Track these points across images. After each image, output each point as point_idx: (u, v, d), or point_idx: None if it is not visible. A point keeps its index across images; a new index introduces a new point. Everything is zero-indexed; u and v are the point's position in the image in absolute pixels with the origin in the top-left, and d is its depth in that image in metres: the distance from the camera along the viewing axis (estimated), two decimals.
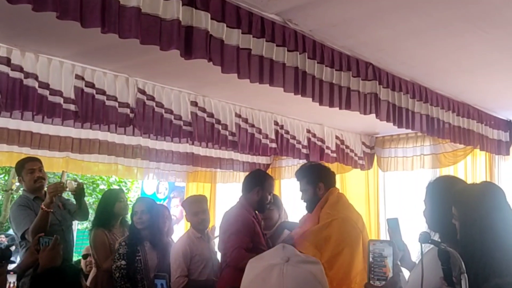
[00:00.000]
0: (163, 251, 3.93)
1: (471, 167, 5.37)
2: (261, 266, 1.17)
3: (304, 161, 5.02)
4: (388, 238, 1.98)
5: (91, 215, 4.76)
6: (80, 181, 4.47)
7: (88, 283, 3.99)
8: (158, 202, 5.65)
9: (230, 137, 4.39)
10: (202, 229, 4.07)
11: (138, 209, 4.01)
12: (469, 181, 5.16)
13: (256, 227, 3.81)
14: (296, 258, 1.17)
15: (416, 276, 1.91)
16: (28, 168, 3.95)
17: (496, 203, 2.12)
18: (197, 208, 4.04)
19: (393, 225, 2.00)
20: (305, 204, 3.67)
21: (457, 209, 2.17)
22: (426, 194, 2.48)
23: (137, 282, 3.53)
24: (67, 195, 4.16)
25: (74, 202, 4.14)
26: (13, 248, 3.79)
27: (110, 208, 4.30)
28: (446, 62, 3.52)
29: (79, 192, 3.98)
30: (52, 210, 3.65)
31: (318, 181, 3.56)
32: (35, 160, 4.07)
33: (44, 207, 3.59)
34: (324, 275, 1.19)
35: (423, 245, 2.00)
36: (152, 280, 3.65)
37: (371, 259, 1.48)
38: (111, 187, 7.13)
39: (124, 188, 13.67)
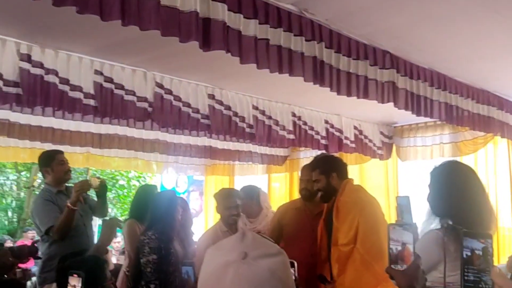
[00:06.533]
0: (183, 241, 3.96)
1: (492, 155, 5.31)
2: (217, 262, 1.09)
3: (323, 152, 5.01)
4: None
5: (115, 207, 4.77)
6: (103, 177, 4.46)
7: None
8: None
9: (247, 129, 4.40)
10: (232, 223, 4.09)
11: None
12: (490, 169, 5.13)
13: (294, 220, 4.04)
14: (254, 253, 1.06)
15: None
16: (60, 160, 3.91)
17: None
18: (230, 203, 4.06)
19: (404, 203, 1.90)
20: (319, 194, 3.70)
21: None
22: (432, 179, 2.49)
23: (169, 274, 3.53)
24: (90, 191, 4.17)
25: (95, 198, 4.16)
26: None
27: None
28: (464, 48, 3.48)
29: (102, 189, 3.96)
30: (77, 208, 3.66)
31: (331, 171, 3.59)
32: (63, 153, 4.05)
33: (70, 205, 3.58)
34: (285, 266, 1.08)
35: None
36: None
37: (391, 243, 1.46)
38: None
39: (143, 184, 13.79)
